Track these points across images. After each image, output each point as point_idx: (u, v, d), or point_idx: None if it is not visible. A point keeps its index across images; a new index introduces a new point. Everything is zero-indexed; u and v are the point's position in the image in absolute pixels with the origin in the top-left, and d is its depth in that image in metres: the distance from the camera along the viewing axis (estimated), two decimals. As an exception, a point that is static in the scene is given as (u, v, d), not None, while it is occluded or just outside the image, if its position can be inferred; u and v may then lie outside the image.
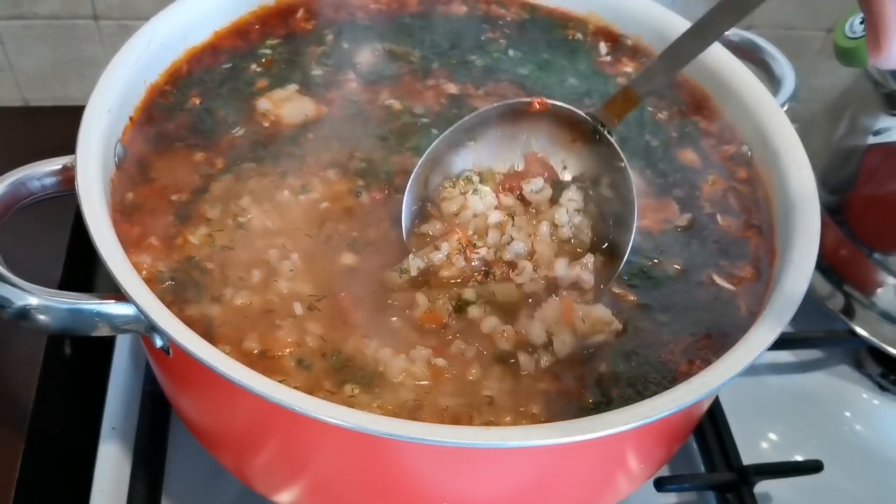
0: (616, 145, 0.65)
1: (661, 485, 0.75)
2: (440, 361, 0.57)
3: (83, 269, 0.91)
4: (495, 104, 0.67)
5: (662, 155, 0.75)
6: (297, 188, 0.67)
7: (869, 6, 0.46)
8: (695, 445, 0.82)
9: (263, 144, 0.70)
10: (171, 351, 0.56)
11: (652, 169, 0.73)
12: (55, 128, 0.99)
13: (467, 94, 0.77)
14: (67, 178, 0.62)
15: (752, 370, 0.91)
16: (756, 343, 0.55)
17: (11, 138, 1.01)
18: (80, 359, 0.86)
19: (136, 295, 0.52)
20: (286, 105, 0.74)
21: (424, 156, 0.65)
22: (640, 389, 0.58)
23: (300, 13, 0.82)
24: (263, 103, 0.73)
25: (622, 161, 0.64)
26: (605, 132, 0.65)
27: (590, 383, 0.58)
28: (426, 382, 0.56)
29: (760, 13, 1.07)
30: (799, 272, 0.60)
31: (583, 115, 0.66)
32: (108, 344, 0.85)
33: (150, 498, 0.71)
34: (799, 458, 0.82)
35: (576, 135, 0.68)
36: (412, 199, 0.65)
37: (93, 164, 0.60)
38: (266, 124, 0.72)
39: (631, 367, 0.59)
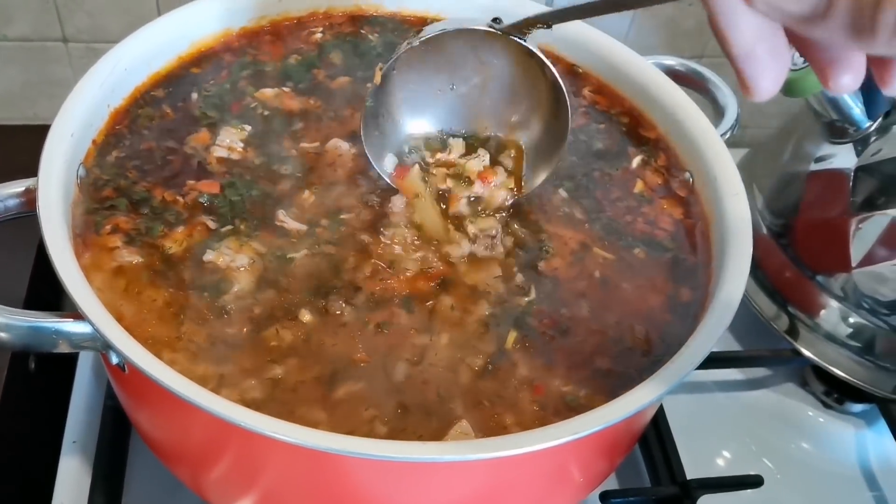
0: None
1: (605, 498, 0.77)
2: None
3: (50, 288, 0.92)
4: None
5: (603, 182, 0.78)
6: None
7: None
8: (642, 459, 0.85)
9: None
10: (127, 368, 0.58)
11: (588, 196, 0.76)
12: (23, 145, 1.01)
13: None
14: (31, 199, 0.64)
15: (701, 387, 0.95)
16: (684, 362, 0.58)
17: (-21, 156, 1.02)
18: (43, 374, 0.87)
19: (91, 314, 0.54)
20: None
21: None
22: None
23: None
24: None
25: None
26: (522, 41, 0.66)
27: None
28: None
29: (712, 44, 1.11)
30: (731, 290, 0.63)
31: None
32: (71, 360, 0.86)
33: (109, 510, 0.73)
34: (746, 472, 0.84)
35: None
36: None
37: (54, 187, 0.62)
38: None
39: None
